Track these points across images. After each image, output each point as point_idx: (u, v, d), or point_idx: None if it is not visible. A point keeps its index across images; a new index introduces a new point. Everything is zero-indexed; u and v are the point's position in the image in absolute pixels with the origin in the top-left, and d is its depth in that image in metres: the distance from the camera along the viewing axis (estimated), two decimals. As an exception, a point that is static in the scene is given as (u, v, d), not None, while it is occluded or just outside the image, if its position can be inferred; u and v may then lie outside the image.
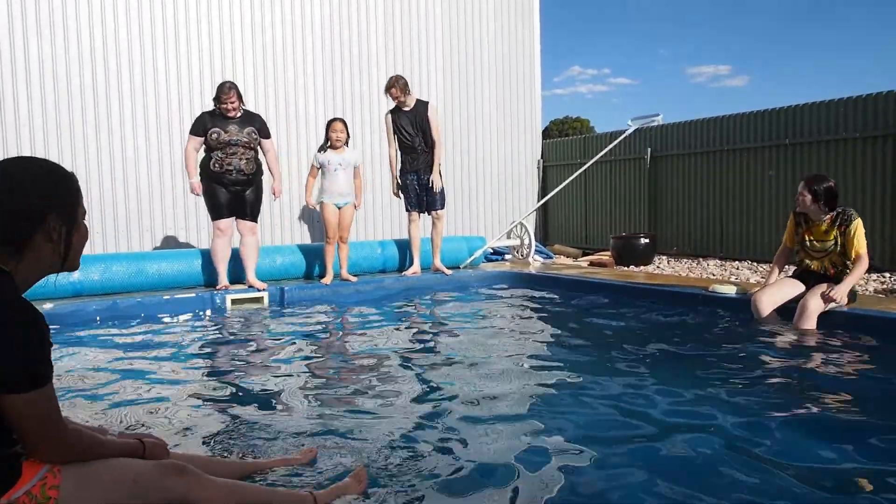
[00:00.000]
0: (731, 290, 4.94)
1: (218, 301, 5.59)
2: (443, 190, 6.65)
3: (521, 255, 8.25)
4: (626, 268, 8.06)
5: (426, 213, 6.66)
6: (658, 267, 8.18)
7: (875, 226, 6.83)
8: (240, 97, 5.67)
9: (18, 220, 1.47)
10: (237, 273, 5.97)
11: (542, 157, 10.71)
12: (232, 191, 5.71)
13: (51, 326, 1.50)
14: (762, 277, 6.75)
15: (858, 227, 4.13)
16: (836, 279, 4.19)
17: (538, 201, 10.03)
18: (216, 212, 5.74)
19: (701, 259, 8.53)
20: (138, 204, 7.76)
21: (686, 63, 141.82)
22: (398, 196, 6.72)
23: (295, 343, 4.40)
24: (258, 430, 2.62)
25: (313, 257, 6.69)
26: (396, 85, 6.38)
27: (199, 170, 5.73)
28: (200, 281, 6.09)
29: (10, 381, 1.38)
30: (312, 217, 8.67)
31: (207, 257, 6.05)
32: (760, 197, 8.07)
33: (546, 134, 26.54)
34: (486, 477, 2.16)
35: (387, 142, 6.62)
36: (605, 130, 10.21)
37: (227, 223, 5.77)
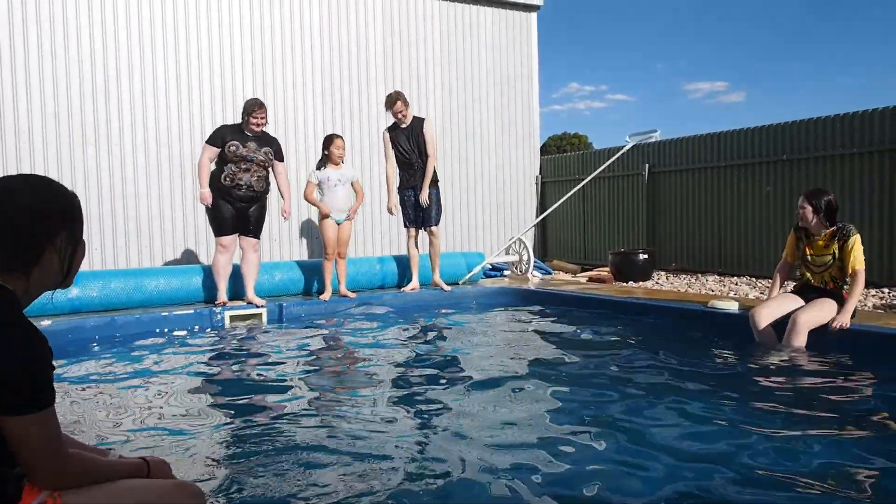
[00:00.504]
0: (733, 306, 4.94)
1: (217, 317, 5.58)
2: (438, 206, 6.61)
3: (520, 271, 8.25)
4: (625, 283, 8.06)
5: (423, 229, 6.67)
6: (657, 282, 8.18)
7: (872, 241, 6.84)
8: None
9: (32, 241, 1.46)
10: (236, 289, 5.96)
11: (540, 174, 10.74)
12: (237, 207, 5.72)
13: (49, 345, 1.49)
14: (761, 293, 6.76)
15: (857, 243, 4.14)
16: (835, 293, 4.19)
17: (537, 217, 10.04)
18: (220, 228, 5.75)
19: (699, 275, 8.53)
20: (137, 225, 7.76)
21: (683, 79, 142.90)
22: (392, 213, 6.70)
23: (293, 359, 4.39)
24: (255, 445, 2.61)
25: (312, 273, 6.69)
26: (401, 98, 6.36)
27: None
28: (200, 297, 6.08)
29: (12, 403, 1.36)
30: (311, 233, 8.67)
31: (206, 273, 6.04)
32: (758, 212, 8.09)
33: (544, 150, 26.64)
34: (482, 492, 2.15)
35: (384, 158, 6.63)
36: (603, 146, 10.22)
37: (230, 240, 5.77)
